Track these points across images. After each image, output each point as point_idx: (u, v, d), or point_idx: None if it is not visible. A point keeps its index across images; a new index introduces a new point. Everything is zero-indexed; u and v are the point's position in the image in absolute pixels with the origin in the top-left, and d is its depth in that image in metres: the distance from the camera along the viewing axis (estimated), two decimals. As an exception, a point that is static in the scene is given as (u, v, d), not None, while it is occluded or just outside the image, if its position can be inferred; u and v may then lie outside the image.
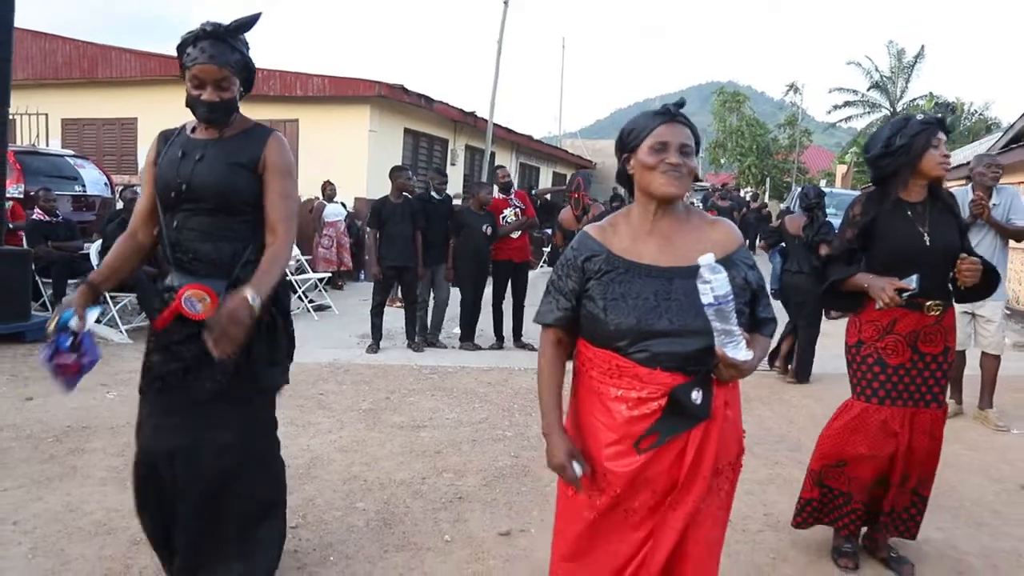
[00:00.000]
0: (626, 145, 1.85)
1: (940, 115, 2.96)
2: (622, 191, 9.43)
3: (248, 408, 2.42)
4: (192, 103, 2.28)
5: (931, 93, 35.10)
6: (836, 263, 3.07)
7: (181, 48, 2.26)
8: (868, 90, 37.54)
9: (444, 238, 7.34)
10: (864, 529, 3.14)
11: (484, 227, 7.22)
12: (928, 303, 2.85)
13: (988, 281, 2.93)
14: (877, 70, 37.41)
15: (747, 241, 22.95)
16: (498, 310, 7.51)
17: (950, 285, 2.96)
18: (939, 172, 2.90)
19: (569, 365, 1.93)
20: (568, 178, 19.27)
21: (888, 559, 3.06)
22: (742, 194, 24.24)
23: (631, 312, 1.72)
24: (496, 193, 7.83)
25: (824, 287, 3.07)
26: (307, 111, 12.56)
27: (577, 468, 1.75)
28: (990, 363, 5.27)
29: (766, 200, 26.71)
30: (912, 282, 2.77)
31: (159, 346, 2.34)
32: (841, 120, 39.14)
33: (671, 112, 1.82)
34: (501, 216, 7.44)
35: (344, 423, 4.71)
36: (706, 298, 1.60)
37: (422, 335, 7.33)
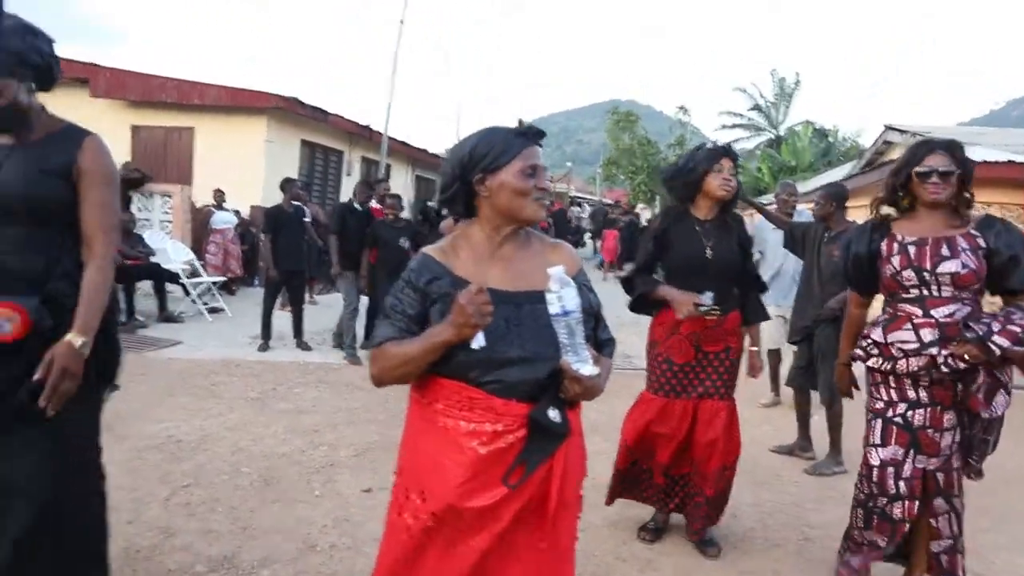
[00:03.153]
0: (480, 164, 1.73)
1: (727, 145, 3.44)
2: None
3: (70, 429, 2.13)
4: None
5: (807, 120, 37.67)
6: (642, 273, 3.41)
7: None
8: (749, 110, 39.93)
9: (360, 247, 7.49)
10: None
11: (401, 240, 7.39)
12: (708, 309, 3.16)
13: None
14: (762, 95, 39.85)
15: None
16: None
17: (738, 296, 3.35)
18: (720, 193, 3.28)
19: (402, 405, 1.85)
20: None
21: (697, 543, 3.41)
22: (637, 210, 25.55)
23: (483, 340, 1.63)
24: (375, 203, 8.33)
25: (634, 297, 3.40)
26: (203, 120, 12.79)
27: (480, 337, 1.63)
28: None
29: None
30: (707, 298, 3.15)
31: None
32: (731, 141, 41.18)
33: (534, 135, 1.77)
34: None
35: (233, 408, 5.26)
36: (553, 308, 1.57)
37: (352, 344, 7.38)
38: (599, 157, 48.04)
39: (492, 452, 1.63)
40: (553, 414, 1.64)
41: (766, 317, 3.67)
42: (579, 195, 43.36)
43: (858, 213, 7.43)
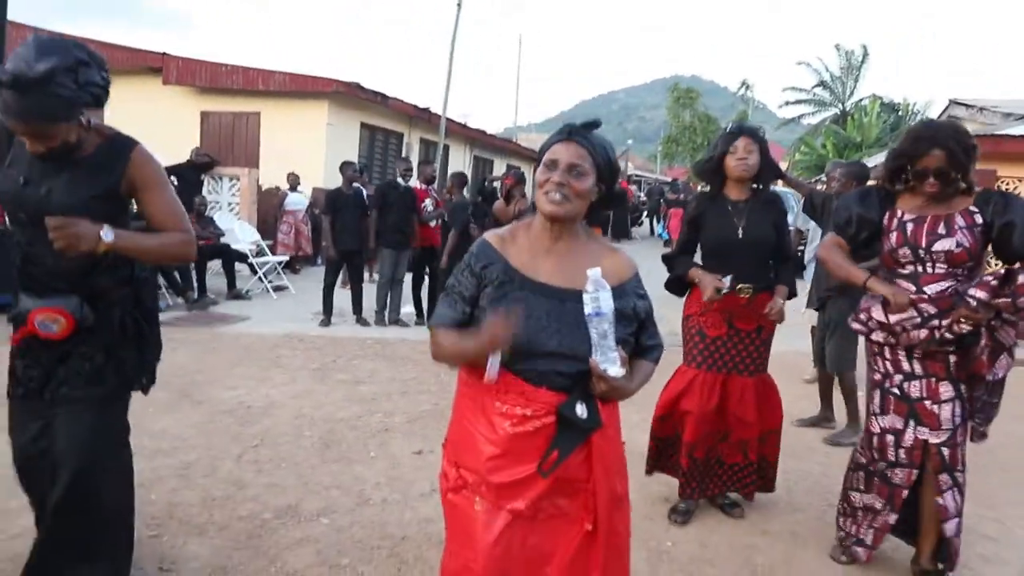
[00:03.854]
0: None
1: (741, 124, 3.52)
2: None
3: (103, 412, 2.32)
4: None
5: (874, 94, 36.41)
6: (682, 255, 3.55)
7: None
8: (813, 87, 38.72)
9: (404, 222, 7.93)
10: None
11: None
12: (739, 286, 3.33)
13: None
14: (827, 70, 38.60)
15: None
16: (417, 289, 8.46)
17: (771, 273, 3.46)
18: (738, 172, 3.35)
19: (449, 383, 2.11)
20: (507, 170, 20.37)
21: (722, 506, 3.62)
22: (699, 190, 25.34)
23: (522, 329, 1.72)
24: (420, 184, 8.63)
25: (670, 276, 3.57)
26: (268, 105, 13.33)
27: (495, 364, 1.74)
28: None
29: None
30: (727, 280, 3.31)
31: (22, 351, 2.29)
32: (796, 117, 39.99)
33: (567, 131, 1.84)
34: (422, 204, 8.23)
35: (296, 379, 5.67)
36: (588, 308, 1.69)
37: (395, 313, 8.05)
38: (660, 134, 47.57)
39: (519, 433, 1.76)
40: (580, 409, 1.74)
41: (793, 284, 3.62)
42: (638, 173, 43.01)
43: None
